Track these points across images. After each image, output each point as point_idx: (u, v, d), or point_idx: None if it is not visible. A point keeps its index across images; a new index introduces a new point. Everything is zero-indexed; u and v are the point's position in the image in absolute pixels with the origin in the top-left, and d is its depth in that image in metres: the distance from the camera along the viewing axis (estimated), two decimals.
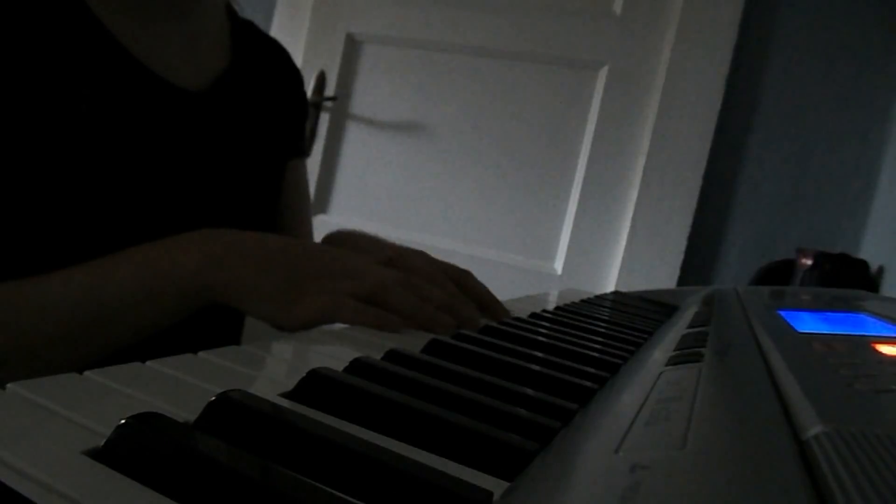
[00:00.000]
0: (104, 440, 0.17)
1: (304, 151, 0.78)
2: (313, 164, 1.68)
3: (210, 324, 0.49)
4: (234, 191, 0.62)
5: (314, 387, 0.24)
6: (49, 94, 0.48)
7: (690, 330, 0.42)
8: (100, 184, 0.50)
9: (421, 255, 0.53)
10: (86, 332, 0.42)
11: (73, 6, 0.50)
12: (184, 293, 0.42)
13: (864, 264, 1.17)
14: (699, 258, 1.41)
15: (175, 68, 0.57)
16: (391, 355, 0.31)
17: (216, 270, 0.42)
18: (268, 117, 0.68)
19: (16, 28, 0.47)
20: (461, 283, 0.51)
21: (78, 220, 0.49)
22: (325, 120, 1.68)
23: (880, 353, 0.29)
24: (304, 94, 0.77)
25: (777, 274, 1.25)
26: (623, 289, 0.98)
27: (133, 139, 0.52)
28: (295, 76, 0.75)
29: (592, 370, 0.35)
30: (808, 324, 0.41)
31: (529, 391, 0.28)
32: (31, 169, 0.47)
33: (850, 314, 0.46)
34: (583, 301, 0.70)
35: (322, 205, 1.67)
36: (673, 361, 0.30)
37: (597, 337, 0.46)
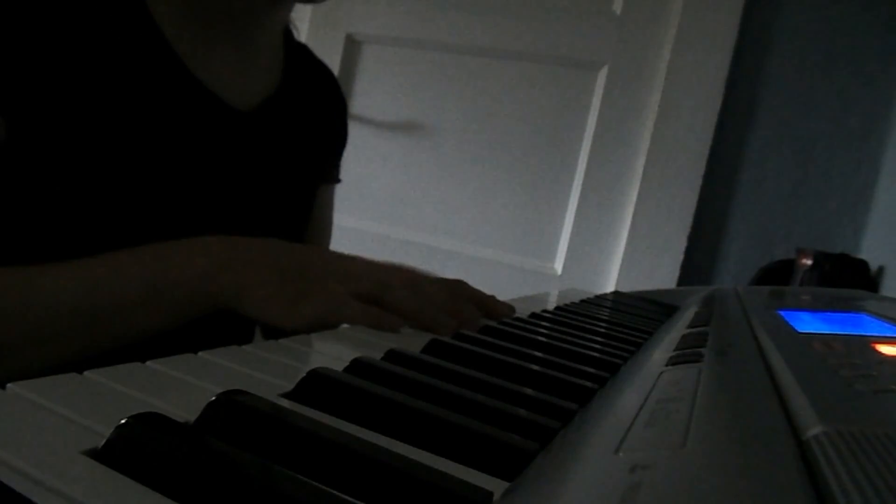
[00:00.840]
0: (104, 440, 0.17)
1: (337, 178, 0.80)
2: None
3: (221, 330, 0.49)
4: (265, 209, 0.63)
5: (314, 387, 0.24)
6: (106, 101, 0.49)
7: (690, 330, 0.42)
8: (135, 190, 0.51)
9: (413, 269, 0.54)
10: (93, 322, 0.42)
11: (137, 16, 0.51)
12: (189, 296, 0.43)
13: (864, 264, 1.17)
14: (699, 258, 1.41)
15: (228, 86, 0.57)
16: (391, 355, 0.31)
17: (221, 275, 0.43)
18: (309, 142, 0.68)
19: (78, 32, 0.48)
20: (457, 289, 0.52)
21: (116, 228, 0.49)
22: None
23: (880, 353, 0.29)
24: (346, 123, 0.78)
25: (777, 274, 1.25)
26: (623, 289, 0.98)
27: (175, 150, 0.53)
28: (341, 104, 0.77)
29: (592, 370, 0.35)
30: (808, 324, 0.41)
31: (529, 391, 0.28)
32: (76, 176, 0.48)
33: (850, 314, 0.46)
34: (583, 301, 0.70)
35: None
36: (673, 361, 0.30)
37: (597, 337, 0.46)
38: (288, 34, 0.68)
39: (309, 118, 0.68)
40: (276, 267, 0.44)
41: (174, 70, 0.53)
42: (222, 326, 0.49)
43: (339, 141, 0.77)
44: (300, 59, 0.69)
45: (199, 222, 0.55)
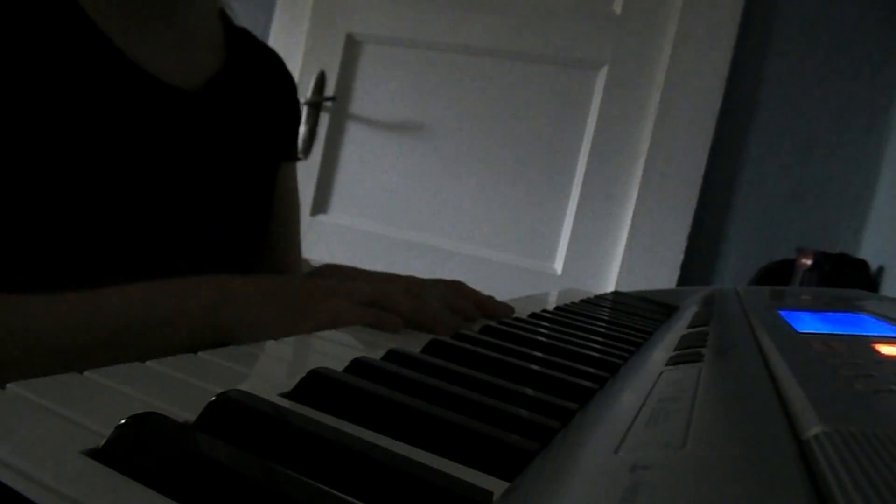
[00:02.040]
0: (104, 440, 0.17)
1: (296, 156, 0.80)
2: (313, 164, 1.68)
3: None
4: (225, 188, 0.63)
5: (314, 387, 0.24)
6: (40, 91, 0.48)
7: (690, 330, 0.42)
8: (91, 181, 0.51)
9: (412, 277, 0.54)
10: (87, 352, 0.41)
11: (65, 5, 0.51)
12: (193, 328, 0.42)
13: (864, 264, 1.17)
14: (699, 258, 1.41)
15: (168, 68, 0.57)
16: (391, 355, 0.31)
17: (221, 310, 0.43)
18: (260, 120, 0.68)
19: (6, 26, 0.48)
20: (456, 290, 0.52)
21: (68, 217, 0.49)
22: (325, 120, 1.68)
23: (880, 353, 0.29)
24: (298, 101, 0.79)
25: (777, 274, 1.25)
26: (623, 289, 0.98)
27: (125, 136, 0.53)
28: (289, 83, 0.77)
29: (592, 370, 0.35)
30: (808, 324, 0.41)
31: (529, 391, 0.28)
32: (19, 166, 0.48)
33: (850, 314, 0.46)
34: (583, 301, 0.70)
35: (322, 205, 1.67)
36: (673, 361, 0.30)
37: (597, 337, 0.46)
38: (226, 17, 0.68)
39: (257, 96, 0.68)
40: (277, 298, 0.44)
41: (111, 57, 0.53)
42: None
43: (291, 118, 0.77)
44: (242, 41, 0.69)
45: (158, 205, 0.55)
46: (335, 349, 0.34)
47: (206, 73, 0.62)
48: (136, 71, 0.54)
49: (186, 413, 0.20)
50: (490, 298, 0.53)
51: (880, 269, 1.15)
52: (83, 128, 0.50)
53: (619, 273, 1.44)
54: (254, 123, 0.67)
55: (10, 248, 0.47)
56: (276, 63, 0.75)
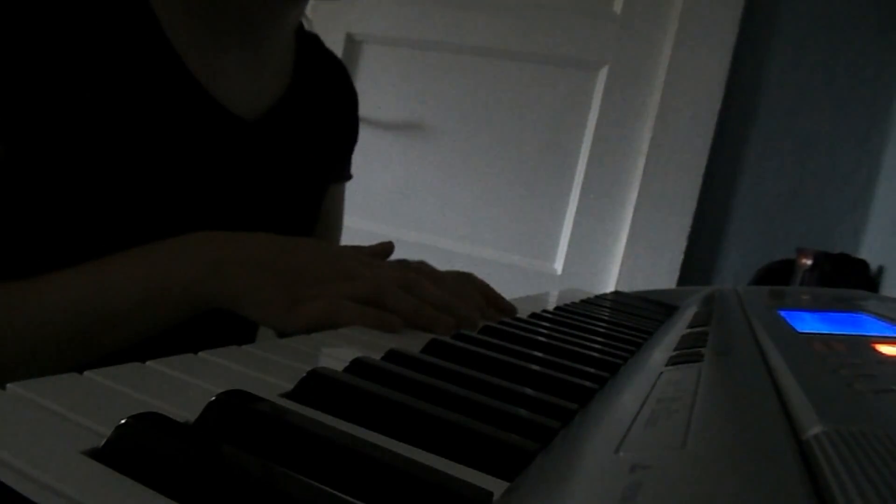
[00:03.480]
0: (104, 440, 0.17)
1: (348, 175, 0.78)
2: None
3: (223, 329, 0.49)
4: (273, 216, 0.62)
5: (314, 387, 0.24)
6: (105, 104, 0.48)
7: (690, 330, 0.42)
8: (137, 200, 0.50)
9: (422, 262, 0.53)
10: (85, 334, 0.42)
11: (144, 24, 0.50)
12: (184, 298, 0.42)
13: (864, 264, 1.17)
14: (699, 258, 1.41)
15: (235, 93, 0.56)
16: (391, 355, 0.31)
17: (216, 278, 0.42)
18: (319, 142, 0.67)
19: (81, 34, 0.47)
20: (466, 281, 0.52)
21: (114, 238, 0.49)
22: None
23: (880, 353, 0.29)
24: (357, 118, 0.77)
25: (777, 274, 1.25)
26: (623, 289, 0.98)
27: (179, 161, 0.52)
28: (351, 97, 0.75)
29: (592, 370, 0.34)
30: (808, 324, 0.41)
31: (529, 391, 0.28)
32: (75, 179, 0.47)
33: (850, 314, 0.46)
34: (583, 301, 0.70)
35: None
36: (673, 361, 0.30)
37: (597, 337, 0.46)
38: (299, 27, 0.66)
39: (319, 118, 0.66)
40: (273, 269, 0.43)
41: (180, 80, 0.52)
42: (223, 326, 0.49)
43: (350, 138, 0.76)
44: (311, 53, 0.67)
45: (204, 227, 0.54)
46: (335, 349, 0.34)
47: (272, 97, 0.60)
48: (203, 97, 0.53)
49: (186, 413, 0.20)
50: (498, 295, 0.53)
51: (880, 269, 1.15)
52: (138, 146, 0.50)
53: (619, 273, 1.44)
54: (312, 147, 0.65)
55: (50, 262, 0.47)
56: (342, 76, 0.73)
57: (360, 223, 1.65)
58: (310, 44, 0.68)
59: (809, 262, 1.16)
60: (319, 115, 0.67)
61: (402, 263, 0.54)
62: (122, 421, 0.17)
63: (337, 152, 0.73)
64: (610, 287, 1.44)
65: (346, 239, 1.84)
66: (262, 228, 0.59)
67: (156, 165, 0.51)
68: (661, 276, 1.40)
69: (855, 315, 0.46)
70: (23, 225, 0.47)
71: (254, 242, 0.45)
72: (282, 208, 0.63)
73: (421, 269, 0.52)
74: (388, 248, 0.57)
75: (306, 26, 0.68)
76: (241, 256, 0.44)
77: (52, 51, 0.46)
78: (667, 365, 0.30)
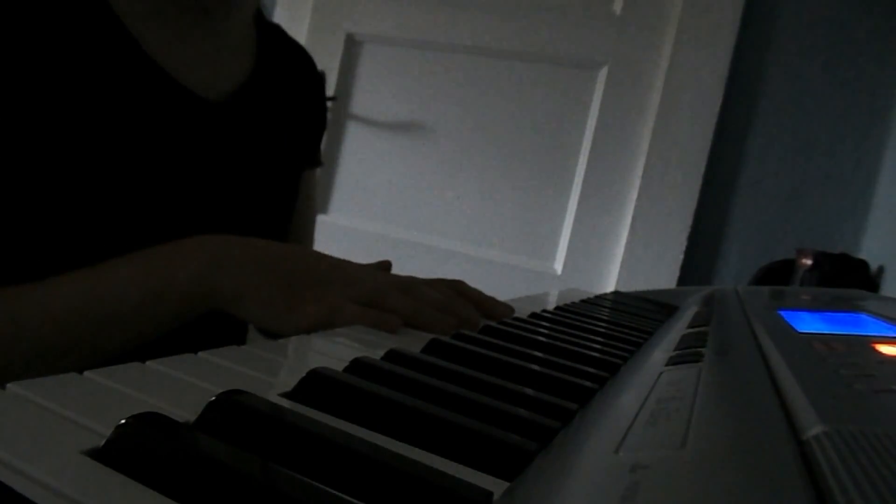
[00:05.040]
0: (104, 440, 0.17)
1: (319, 162, 0.78)
2: None
3: (214, 330, 0.49)
4: (248, 200, 0.62)
5: (314, 387, 0.24)
6: (68, 97, 0.48)
7: (690, 330, 0.42)
8: (112, 189, 0.50)
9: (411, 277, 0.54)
10: (86, 336, 0.42)
11: (98, 10, 0.50)
12: (184, 299, 0.42)
13: (864, 264, 1.17)
14: (699, 258, 1.41)
15: (198, 77, 0.56)
16: (391, 355, 0.31)
17: (216, 278, 0.43)
18: (286, 127, 0.67)
19: (38, 30, 0.47)
20: (457, 289, 0.52)
21: (90, 226, 0.49)
22: None
23: (880, 353, 0.29)
24: (325, 103, 0.77)
25: (777, 274, 1.25)
26: (623, 289, 0.98)
27: (149, 146, 0.52)
28: (318, 82, 0.75)
29: (592, 370, 0.35)
30: (808, 324, 0.41)
31: (529, 391, 0.28)
32: (45, 173, 0.47)
33: (850, 314, 0.46)
34: (583, 301, 0.70)
35: (322, 205, 1.67)
36: (673, 361, 0.30)
37: (597, 337, 0.46)
38: (259, 16, 0.67)
39: (284, 101, 0.67)
40: (273, 271, 0.44)
41: (141, 65, 0.52)
42: (215, 327, 0.48)
43: (318, 122, 0.76)
44: (273, 40, 0.68)
45: (179, 216, 0.55)
46: (335, 349, 0.34)
47: (236, 80, 0.61)
48: (166, 79, 0.53)
49: (186, 413, 0.20)
50: (490, 298, 0.53)
51: (880, 269, 1.15)
52: (107, 135, 0.50)
53: (619, 273, 1.44)
54: (279, 132, 0.66)
55: (29, 256, 0.47)
56: (306, 62, 0.74)
57: (360, 223, 1.65)
58: (272, 32, 0.69)
59: (809, 262, 1.16)
60: (285, 98, 0.67)
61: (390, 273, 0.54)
62: (122, 421, 0.17)
63: (306, 136, 0.73)
64: (610, 287, 1.44)
65: (346, 239, 1.83)
66: (239, 212, 0.60)
67: (125, 152, 0.51)
68: (661, 276, 1.40)
69: (855, 315, 0.46)
70: None
71: (253, 246, 0.45)
72: (257, 189, 0.63)
73: (414, 279, 0.53)
74: (385, 265, 0.57)
75: (266, 15, 0.69)
76: (241, 258, 0.44)
77: (7, 47, 0.45)
78: (667, 365, 0.30)
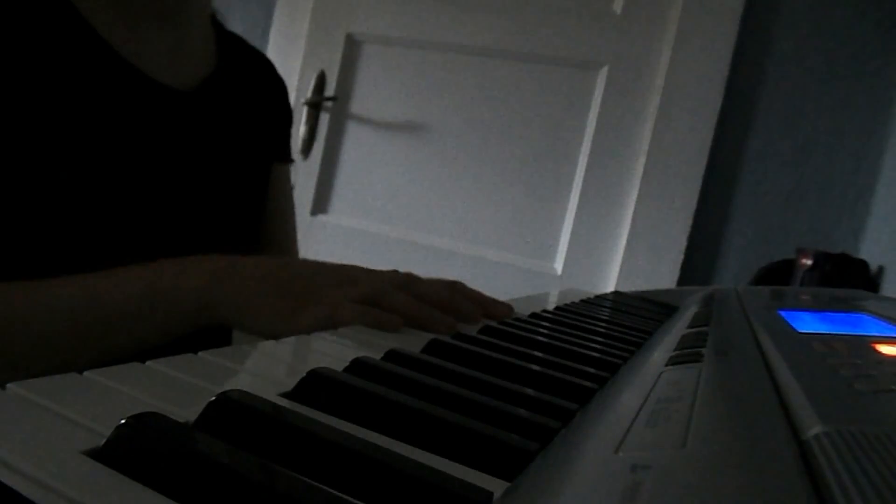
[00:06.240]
0: (104, 440, 0.17)
1: (289, 157, 0.80)
2: (313, 164, 1.68)
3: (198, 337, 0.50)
4: (217, 187, 0.63)
5: (314, 387, 0.24)
6: (34, 91, 0.49)
7: (690, 330, 0.42)
8: (84, 179, 0.51)
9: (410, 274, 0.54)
10: (89, 337, 0.42)
11: (60, 7, 0.52)
12: (185, 311, 0.43)
13: (864, 264, 1.17)
14: (699, 258, 1.41)
15: (162, 69, 0.58)
16: (391, 355, 0.31)
17: (217, 290, 0.43)
18: (252, 121, 0.70)
19: (5, 31, 0.48)
20: (456, 290, 0.52)
21: (62, 215, 0.50)
22: (325, 120, 1.68)
23: (880, 353, 0.29)
24: (289, 104, 0.80)
25: (777, 274, 1.25)
26: (623, 289, 0.98)
27: (119, 136, 0.54)
28: (280, 86, 0.78)
29: (592, 370, 0.35)
30: (808, 324, 0.41)
31: (529, 391, 0.28)
32: (13, 165, 0.48)
33: (850, 314, 0.46)
34: (583, 301, 0.70)
35: (322, 205, 1.67)
36: (673, 361, 0.30)
37: (597, 337, 0.46)
38: (217, 24, 0.69)
39: (249, 99, 0.69)
40: (272, 280, 0.44)
41: (106, 58, 0.53)
42: (199, 335, 0.49)
43: (283, 120, 0.79)
44: (233, 45, 0.71)
45: (151, 204, 0.56)
46: (335, 349, 0.34)
47: (200, 75, 0.63)
48: (131, 71, 0.55)
49: (186, 413, 0.20)
50: (490, 299, 0.53)
51: (880, 269, 1.15)
52: (77, 126, 0.51)
53: (619, 273, 1.44)
54: (246, 125, 0.68)
55: (2, 245, 0.47)
56: (267, 67, 0.77)
57: (359, 223, 1.65)
58: (232, 38, 0.72)
59: (809, 262, 1.16)
60: (249, 93, 0.70)
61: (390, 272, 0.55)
62: (122, 421, 0.17)
63: (272, 131, 0.75)
64: (610, 287, 1.44)
65: (346, 239, 1.83)
66: (210, 200, 0.62)
67: (98, 144, 0.52)
68: (661, 276, 1.40)
69: (855, 315, 0.46)
70: None
71: (253, 261, 0.46)
72: (225, 179, 0.65)
73: (411, 275, 0.53)
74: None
75: (225, 25, 0.71)
76: (243, 270, 0.45)
77: None
78: (667, 365, 0.30)
